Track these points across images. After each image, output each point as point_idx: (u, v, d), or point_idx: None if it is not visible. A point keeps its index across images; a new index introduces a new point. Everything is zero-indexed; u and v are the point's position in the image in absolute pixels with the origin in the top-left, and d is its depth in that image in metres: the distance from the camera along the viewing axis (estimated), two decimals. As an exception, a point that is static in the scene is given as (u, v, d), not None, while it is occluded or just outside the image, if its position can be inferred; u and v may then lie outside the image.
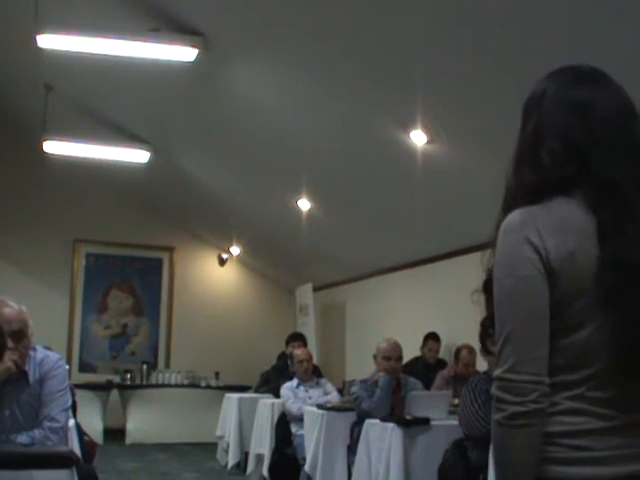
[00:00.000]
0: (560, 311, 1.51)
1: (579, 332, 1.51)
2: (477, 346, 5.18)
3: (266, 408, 7.25)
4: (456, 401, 5.26)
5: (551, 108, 1.62)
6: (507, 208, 1.59)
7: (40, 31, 5.73)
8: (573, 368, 1.52)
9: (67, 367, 3.63)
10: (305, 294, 11.34)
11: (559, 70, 1.68)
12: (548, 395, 1.49)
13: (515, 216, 1.55)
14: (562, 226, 1.52)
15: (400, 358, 5.67)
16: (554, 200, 1.55)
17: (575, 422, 1.51)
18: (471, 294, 1.69)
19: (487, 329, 1.64)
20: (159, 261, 12.28)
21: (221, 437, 8.48)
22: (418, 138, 6.15)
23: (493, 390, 1.52)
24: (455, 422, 4.52)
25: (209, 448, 9.24)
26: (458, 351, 7.03)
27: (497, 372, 1.51)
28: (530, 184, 1.57)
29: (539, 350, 1.50)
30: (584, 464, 1.49)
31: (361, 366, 8.32)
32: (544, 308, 1.50)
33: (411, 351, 7.62)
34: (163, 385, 10.89)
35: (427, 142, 6.18)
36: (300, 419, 6.35)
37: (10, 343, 3.12)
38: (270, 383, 8.09)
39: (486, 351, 1.47)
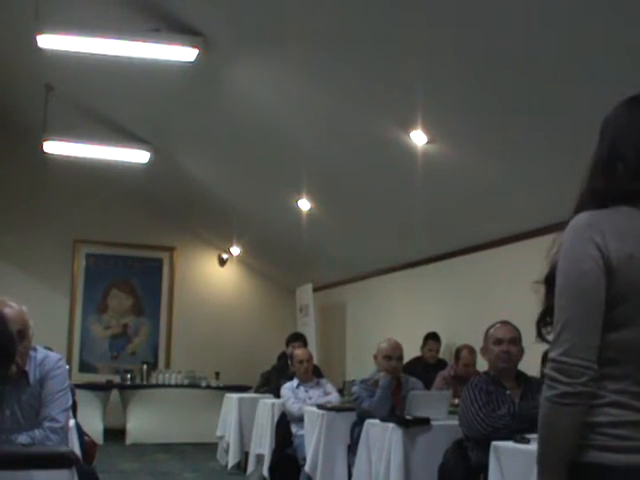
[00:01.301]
0: (614, 307, 1.67)
1: (628, 329, 1.67)
2: (477, 346, 5.18)
3: (266, 408, 7.25)
4: (456, 401, 5.25)
5: (627, 125, 1.79)
6: (578, 210, 1.76)
7: (40, 31, 5.73)
8: (619, 362, 1.68)
9: (67, 367, 3.62)
10: (305, 294, 11.34)
11: (638, 95, 1.84)
12: (596, 380, 1.66)
13: (583, 217, 1.72)
14: (624, 231, 1.69)
15: (401, 358, 5.67)
16: (619, 208, 1.72)
17: (618, 414, 1.67)
18: (532, 284, 1.85)
19: (545, 317, 1.80)
20: (159, 261, 12.28)
21: (221, 437, 8.48)
22: (418, 138, 6.15)
23: (547, 370, 1.69)
24: (455, 422, 4.52)
25: (209, 448, 9.24)
26: (458, 351, 7.03)
27: (553, 354, 1.68)
28: (601, 190, 1.75)
29: (592, 339, 1.66)
30: (624, 452, 1.65)
31: (361, 366, 8.33)
32: (600, 301, 1.67)
33: (411, 351, 7.62)
34: (163, 385, 10.89)
35: (427, 142, 6.18)
36: (300, 419, 6.35)
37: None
38: (270, 383, 8.08)
39: (541, 337, 1.66)
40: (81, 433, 4.13)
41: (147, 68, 6.57)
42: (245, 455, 7.84)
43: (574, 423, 1.66)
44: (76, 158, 9.16)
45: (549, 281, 1.77)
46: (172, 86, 7.29)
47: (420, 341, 8.27)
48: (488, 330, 4.51)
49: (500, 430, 4.06)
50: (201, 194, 10.37)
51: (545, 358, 6.11)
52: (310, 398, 6.65)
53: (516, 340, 4.39)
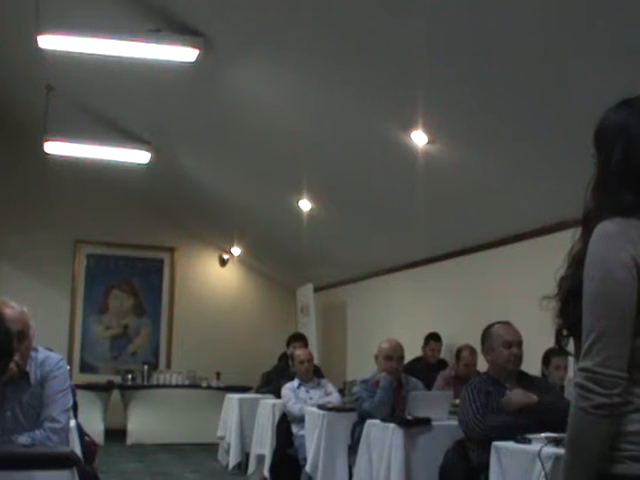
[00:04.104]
0: None
1: None
2: (478, 346, 5.18)
3: (267, 408, 7.25)
4: (457, 401, 5.25)
5: None
6: (589, 231, 1.70)
7: (41, 32, 5.74)
8: None
9: (68, 368, 3.62)
10: (306, 294, 11.34)
11: (636, 99, 1.77)
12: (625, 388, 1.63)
13: (611, 225, 1.67)
14: None
15: (401, 358, 5.66)
16: None
17: None
18: (541, 300, 1.80)
19: (564, 329, 1.76)
20: (160, 261, 12.28)
21: (222, 438, 8.48)
22: (419, 138, 6.15)
23: (580, 380, 1.64)
24: (456, 422, 4.52)
25: (210, 448, 9.24)
26: (459, 351, 7.04)
27: (586, 364, 1.63)
28: (630, 203, 1.68)
29: (625, 348, 1.63)
30: None
31: (362, 366, 8.32)
32: (632, 310, 1.63)
33: (412, 351, 7.62)
34: (164, 385, 10.89)
35: (428, 142, 6.18)
36: (301, 419, 6.35)
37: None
38: (271, 384, 8.08)
39: (562, 350, 1.62)
40: (82, 433, 4.13)
41: (147, 68, 6.57)
42: (246, 455, 7.84)
43: (609, 433, 1.63)
44: (76, 158, 9.16)
45: (573, 292, 1.71)
46: (172, 86, 7.29)
47: (421, 341, 8.27)
48: (489, 330, 4.50)
49: (499, 430, 4.05)
50: (202, 194, 10.37)
51: (546, 359, 6.12)
52: (311, 398, 6.66)
53: (521, 342, 4.41)
